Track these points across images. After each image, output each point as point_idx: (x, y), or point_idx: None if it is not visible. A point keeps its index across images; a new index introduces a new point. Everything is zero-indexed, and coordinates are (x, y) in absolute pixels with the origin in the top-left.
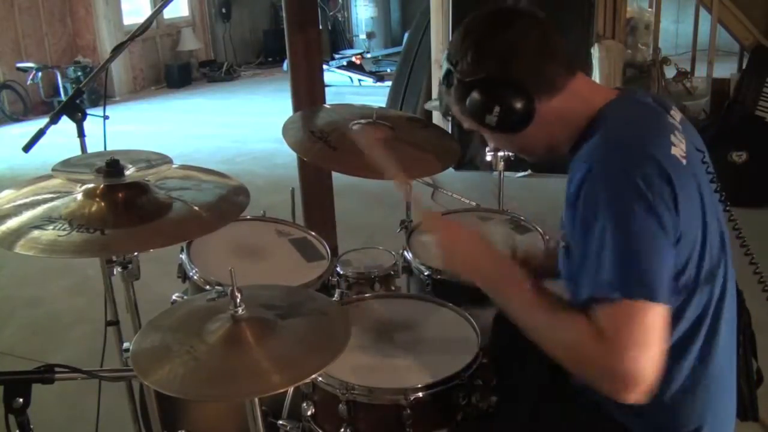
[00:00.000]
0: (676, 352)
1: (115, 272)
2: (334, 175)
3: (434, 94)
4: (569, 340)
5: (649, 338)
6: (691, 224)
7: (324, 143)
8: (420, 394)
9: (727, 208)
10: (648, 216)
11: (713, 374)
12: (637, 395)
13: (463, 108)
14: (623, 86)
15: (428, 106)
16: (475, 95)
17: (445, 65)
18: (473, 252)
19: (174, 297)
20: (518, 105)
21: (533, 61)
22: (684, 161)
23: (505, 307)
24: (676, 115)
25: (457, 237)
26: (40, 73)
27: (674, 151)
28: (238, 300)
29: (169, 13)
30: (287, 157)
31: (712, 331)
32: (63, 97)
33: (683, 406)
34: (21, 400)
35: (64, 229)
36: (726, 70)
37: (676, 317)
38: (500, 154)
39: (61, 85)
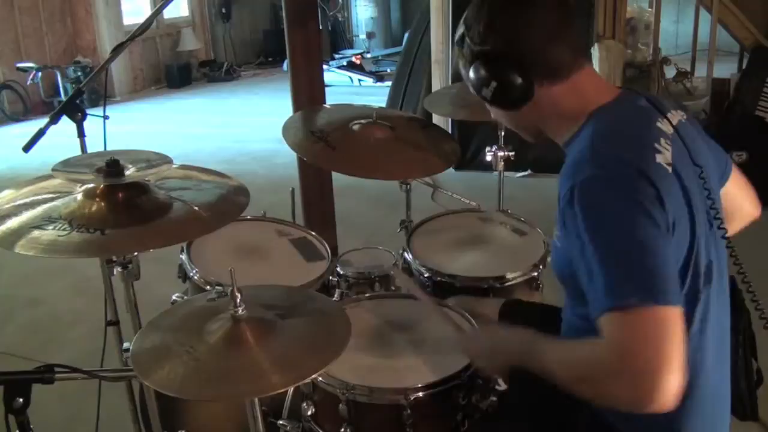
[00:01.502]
0: None
1: (115, 272)
2: (334, 175)
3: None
4: (591, 362)
5: (667, 342)
6: (679, 226)
7: (324, 143)
8: (420, 394)
9: (722, 226)
10: (639, 218)
11: (703, 381)
12: (662, 403)
13: (468, 73)
14: (624, 86)
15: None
16: (477, 65)
17: (461, 28)
18: (497, 348)
19: (174, 297)
20: (515, 84)
21: (541, 44)
22: (669, 168)
23: (542, 370)
24: (674, 118)
25: (485, 346)
26: (40, 73)
27: (659, 159)
28: (238, 300)
29: (169, 13)
30: (287, 157)
31: (697, 341)
32: (63, 97)
33: (676, 413)
34: (21, 400)
35: (64, 229)
36: (726, 70)
37: None
38: (500, 154)
39: (61, 85)
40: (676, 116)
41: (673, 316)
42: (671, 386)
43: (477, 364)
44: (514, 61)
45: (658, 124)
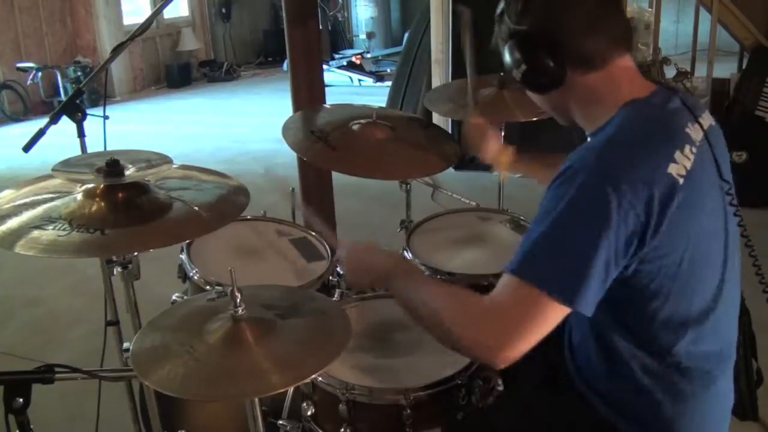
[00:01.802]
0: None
1: (115, 272)
2: (334, 175)
3: None
4: (457, 298)
5: (535, 328)
6: (666, 247)
7: (324, 143)
8: (420, 394)
9: (749, 243)
10: (602, 232)
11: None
12: (495, 364)
13: (503, 51)
14: (661, 83)
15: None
16: (511, 44)
17: (502, 3)
18: (365, 258)
19: (174, 297)
20: (547, 69)
21: (579, 31)
22: (681, 180)
23: (401, 291)
24: (705, 122)
25: (354, 254)
26: (40, 73)
27: (672, 169)
28: (238, 300)
29: (169, 13)
30: (287, 157)
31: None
32: (63, 97)
33: (673, 414)
34: (21, 400)
35: (64, 229)
36: (726, 70)
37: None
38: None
39: (61, 85)
40: (707, 120)
41: (554, 311)
42: (509, 358)
43: (347, 276)
44: (548, 45)
45: (688, 130)
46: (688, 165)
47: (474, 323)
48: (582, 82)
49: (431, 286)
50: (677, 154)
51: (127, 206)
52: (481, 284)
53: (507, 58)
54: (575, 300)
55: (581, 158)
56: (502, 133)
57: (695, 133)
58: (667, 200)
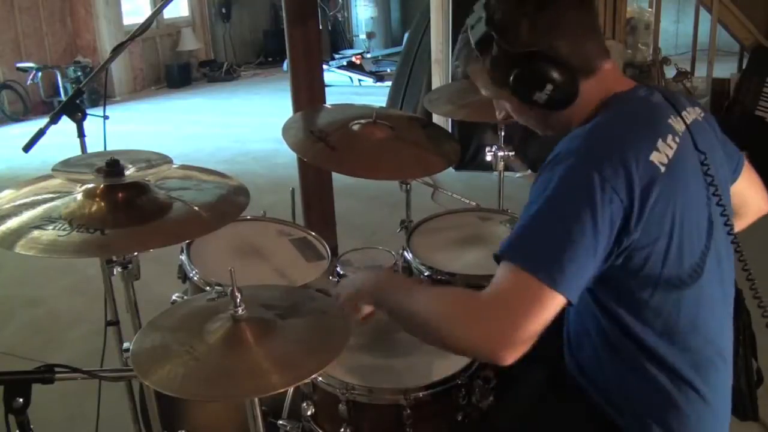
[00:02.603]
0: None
1: (115, 272)
2: (334, 175)
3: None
4: (453, 299)
5: (523, 312)
6: (652, 234)
7: (324, 143)
8: (420, 394)
9: (728, 222)
10: (585, 214)
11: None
12: (498, 360)
13: (497, 77)
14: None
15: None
16: (524, 70)
17: (483, 28)
18: (353, 281)
19: (174, 297)
20: (567, 84)
21: (575, 41)
22: (662, 168)
23: (392, 304)
24: (689, 116)
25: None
26: (40, 73)
27: (654, 157)
28: (238, 300)
29: (169, 13)
30: (287, 157)
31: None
32: (63, 97)
33: (672, 412)
34: (21, 400)
35: (64, 229)
36: (726, 70)
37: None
38: (500, 154)
39: (61, 85)
40: (693, 114)
41: (550, 299)
42: (515, 349)
43: (339, 302)
44: (557, 61)
45: (670, 121)
46: (670, 154)
47: (474, 319)
48: (584, 88)
49: (424, 293)
50: (659, 143)
51: (127, 206)
52: (481, 285)
53: (521, 84)
54: (559, 282)
55: (567, 146)
56: (502, 134)
57: (678, 125)
58: (649, 186)
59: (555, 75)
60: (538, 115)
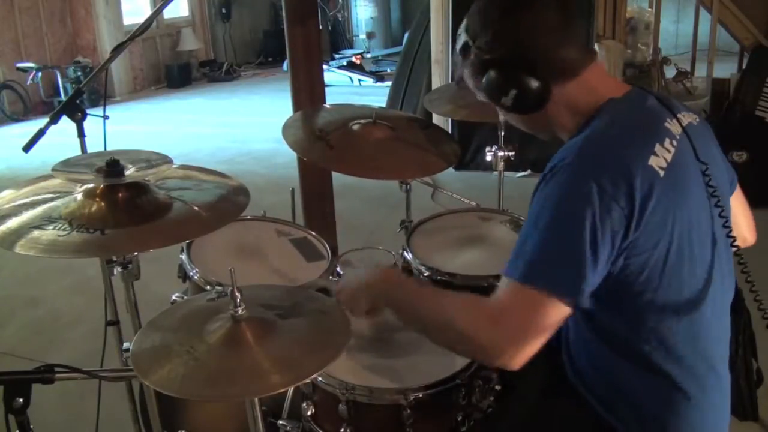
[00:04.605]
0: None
1: (115, 272)
2: (334, 175)
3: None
4: (459, 308)
5: (531, 327)
6: (651, 239)
7: (324, 143)
8: (420, 394)
9: (726, 224)
10: (585, 226)
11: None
12: (503, 366)
13: (478, 83)
14: (634, 85)
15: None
16: (492, 75)
17: (463, 36)
18: (358, 278)
19: (174, 297)
20: (533, 89)
21: (552, 45)
22: (662, 173)
23: (401, 302)
24: (685, 120)
25: (347, 281)
26: (40, 73)
27: (653, 161)
28: (238, 300)
29: (169, 13)
30: (287, 157)
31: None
32: (63, 97)
33: (671, 415)
34: (21, 400)
35: (64, 229)
36: (726, 70)
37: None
38: (500, 154)
39: (61, 85)
40: (688, 118)
41: (555, 309)
42: (521, 361)
43: (340, 299)
44: (528, 66)
45: (667, 124)
46: (669, 157)
47: (484, 329)
48: (563, 92)
49: (436, 296)
50: (657, 147)
51: (127, 206)
52: (482, 285)
53: (490, 88)
54: (576, 296)
55: (563, 158)
56: (502, 134)
57: (674, 127)
58: (649, 191)
59: (519, 79)
60: (516, 117)
